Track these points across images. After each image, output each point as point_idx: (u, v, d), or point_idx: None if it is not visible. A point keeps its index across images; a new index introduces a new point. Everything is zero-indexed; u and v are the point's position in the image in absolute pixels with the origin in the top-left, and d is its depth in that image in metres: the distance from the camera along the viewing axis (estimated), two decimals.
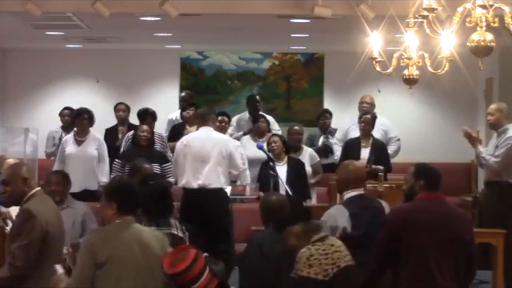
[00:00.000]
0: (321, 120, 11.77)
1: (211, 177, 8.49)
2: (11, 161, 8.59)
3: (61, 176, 7.45)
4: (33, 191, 5.42)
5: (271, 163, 8.91)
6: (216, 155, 8.54)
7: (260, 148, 9.23)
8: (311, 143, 11.46)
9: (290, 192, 8.44)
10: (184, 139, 8.93)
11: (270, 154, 9.13)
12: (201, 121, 8.94)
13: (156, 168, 9.12)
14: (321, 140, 11.45)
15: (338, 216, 5.99)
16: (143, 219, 5.54)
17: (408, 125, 13.70)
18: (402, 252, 5.32)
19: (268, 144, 9.55)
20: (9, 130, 12.32)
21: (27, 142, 11.06)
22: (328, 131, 11.58)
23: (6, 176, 5.52)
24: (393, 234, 5.35)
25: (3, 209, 6.95)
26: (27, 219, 5.24)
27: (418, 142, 13.67)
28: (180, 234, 5.64)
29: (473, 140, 8.74)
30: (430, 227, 5.32)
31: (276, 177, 8.79)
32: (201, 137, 8.69)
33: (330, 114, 11.86)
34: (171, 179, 9.23)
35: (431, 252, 5.28)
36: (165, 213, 5.69)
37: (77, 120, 10.18)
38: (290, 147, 9.71)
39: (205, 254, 5.39)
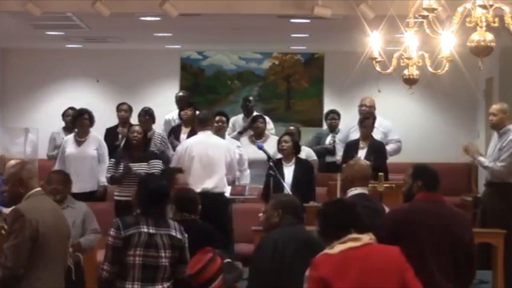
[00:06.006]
0: (328, 120, 11.90)
1: (214, 182, 8.47)
2: (12, 162, 8.58)
3: (62, 175, 7.45)
4: (32, 191, 5.39)
5: (270, 163, 8.89)
6: (219, 160, 8.52)
7: (260, 148, 9.22)
8: (318, 142, 11.59)
9: (290, 192, 8.44)
10: (186, 143, 8.84)
11: (270, 154, 9.12)
12: (200, 125, 8.82)
13: (144, 168, 9.10)
14: (328, 139, 11.53)
15: None
16: (141, 219, 5.52)
17: (408, 125, 13.69)
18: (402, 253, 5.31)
19: (279, 143, 9.52)
20: (9, 130, 12.32)
21: (26, 142, 11.05)
22: (336, 131, 11.66)
23: (5, 176, 5.54)
24: (392, 235, 5.32)
25: (4, 210, 6.95)
26: (15, 219, 5.19)
27: (418, 142, 13.67)
28: (179, 235, 5.60)
29: (472, 153, 8.78)
30: (429, 228, 5.31)
31: (276, 176, 8.78)
32: (203, 141, 8.61)
33: (338, 114, 12.03)
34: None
35: (430, 253, 5.28)
36: (163, 214, 5.65)
37: (78, 121, 10.21)
38: (300, 147, 9.73)
39: (227, 260, 5.39)
